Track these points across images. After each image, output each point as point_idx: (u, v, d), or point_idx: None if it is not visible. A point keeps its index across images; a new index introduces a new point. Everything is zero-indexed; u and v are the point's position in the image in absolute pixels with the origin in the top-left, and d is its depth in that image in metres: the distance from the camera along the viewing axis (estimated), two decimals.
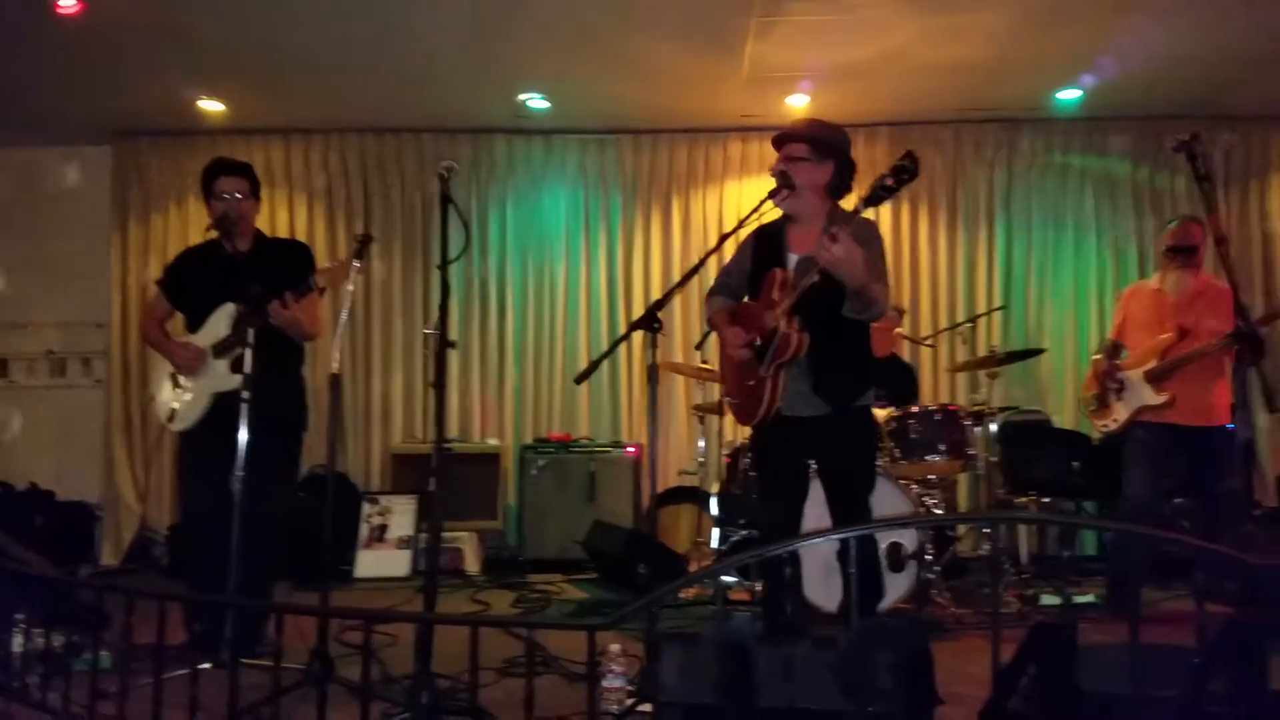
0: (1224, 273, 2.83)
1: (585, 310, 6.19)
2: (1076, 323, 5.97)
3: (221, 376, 3.40)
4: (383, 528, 5.44)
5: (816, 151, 3.01)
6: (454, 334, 6.36)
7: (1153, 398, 4.06)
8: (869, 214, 2.75)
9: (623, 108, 5.85)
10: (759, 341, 2.95)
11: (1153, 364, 4.09)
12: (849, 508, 2.99)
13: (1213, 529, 3.98)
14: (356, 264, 3.05)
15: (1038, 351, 5.34)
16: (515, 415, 6.15)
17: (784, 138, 3.07)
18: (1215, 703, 1.78)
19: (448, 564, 5.33)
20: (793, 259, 3.00)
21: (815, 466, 3.11)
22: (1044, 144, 6.06)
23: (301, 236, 5.85)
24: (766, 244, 3.13)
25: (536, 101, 5.72)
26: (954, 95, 5.65)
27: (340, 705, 2.43)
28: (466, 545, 5.51)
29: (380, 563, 5.34)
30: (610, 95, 5.65)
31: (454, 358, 6.00)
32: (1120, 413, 4.19)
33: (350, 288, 3.07)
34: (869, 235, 2.92)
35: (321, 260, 3.60)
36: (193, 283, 3.60)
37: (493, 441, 5.95)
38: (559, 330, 6.18)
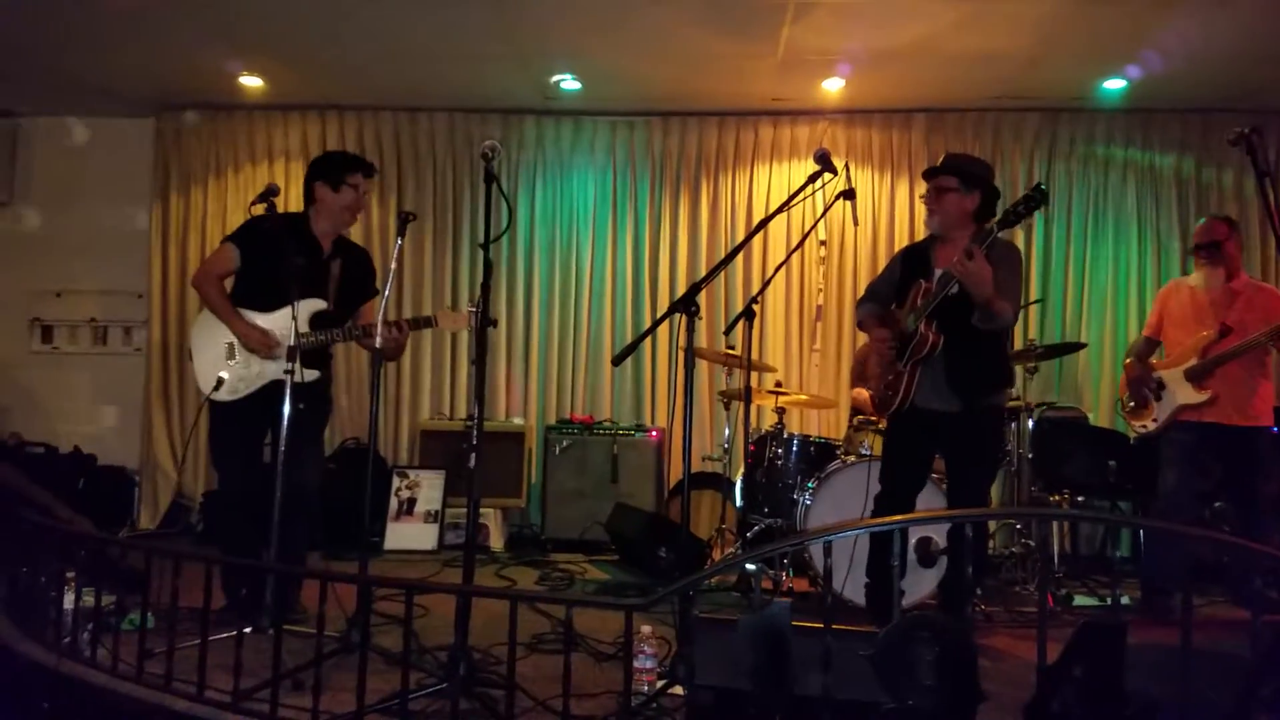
0: None
1: (610, 292, 6.19)
2: (1114, 318, 5.82)
3: (283, 366, 3.24)
4: (411, 501, 5.50)
5: (965, 183, 3.39)
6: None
7: (1193, 396, 3.92)
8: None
9: (653, 89, 5.83)
10: (898, 341, 3.35)
11: (1193, 361, 3.94)
12: (964, 499, 3.28)
13: (1252, 534, 3.74)
14: (399, 241, 3.16)
15: (1078, 346, 5.08)
16: (539, 395, 6.17)
17: (934, 171, 3.48)
18: (1265, 709, 1.74)
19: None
20: (937, 274, 3.37)
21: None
22: (1085, 134, 5.94)
23: None
24: (915, 259, 3.54)
25: (568, 83, 5.71)
26: (991, 83, 5.58)
27: (375, 674, 2.47)
28: (491, 522, 5.57)
29: (407, 535, 5.40)
30: (641, 76, 5.63)
31: None
32: (1159, 413, 4.04)
33: (393, 266, 3.21)
34: (1005, 256, 3.27)
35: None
36: (271, 252, 3.35)
37: (518, 421, 5.99)
38: (584, 312, 6.19)
